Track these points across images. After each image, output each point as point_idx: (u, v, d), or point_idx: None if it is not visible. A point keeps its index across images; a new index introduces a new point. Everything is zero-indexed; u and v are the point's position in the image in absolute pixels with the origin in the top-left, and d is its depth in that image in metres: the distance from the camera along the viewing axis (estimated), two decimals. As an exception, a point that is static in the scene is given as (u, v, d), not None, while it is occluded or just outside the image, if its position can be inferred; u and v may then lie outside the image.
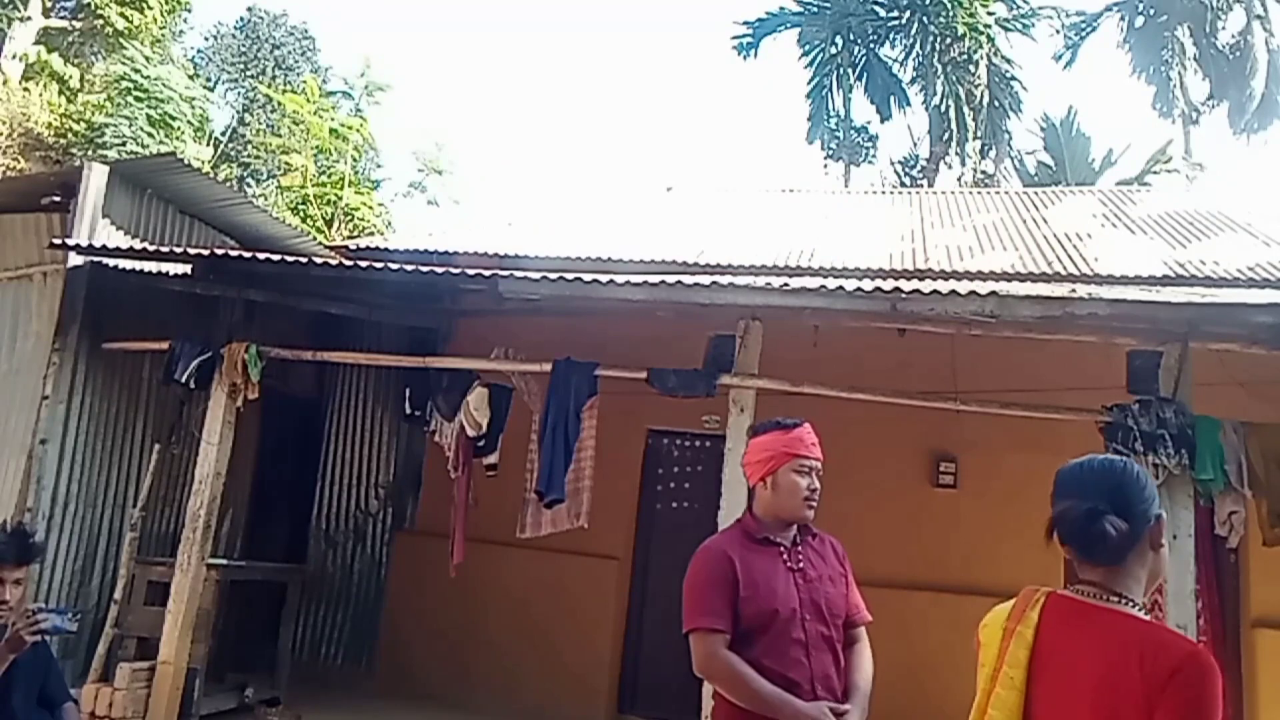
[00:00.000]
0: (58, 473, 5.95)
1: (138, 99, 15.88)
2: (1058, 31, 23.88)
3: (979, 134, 21.54)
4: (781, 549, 2.58)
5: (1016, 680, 1.65)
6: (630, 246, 7.78)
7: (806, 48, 23.99)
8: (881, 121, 24.31)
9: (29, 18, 17.29)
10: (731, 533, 2.67)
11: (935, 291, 4.99)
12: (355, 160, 17.72)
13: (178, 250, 5.93)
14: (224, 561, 6.31)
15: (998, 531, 6.25)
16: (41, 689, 3.27)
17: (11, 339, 6.35)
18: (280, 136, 18.27)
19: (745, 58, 24.34)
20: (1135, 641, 1.58)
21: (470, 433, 5.94)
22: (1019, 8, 22.90)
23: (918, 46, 22.37)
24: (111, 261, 6.04)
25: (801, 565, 2.57)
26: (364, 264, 5.64)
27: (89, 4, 17.76)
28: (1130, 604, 1.66)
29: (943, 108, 21.37)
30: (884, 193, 13.89)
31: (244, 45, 23.49)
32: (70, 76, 17.01)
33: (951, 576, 6.48)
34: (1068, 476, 1.79)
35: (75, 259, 6.09)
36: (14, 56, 16.76)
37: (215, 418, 5.88)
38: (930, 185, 21.40)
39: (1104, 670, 1.57)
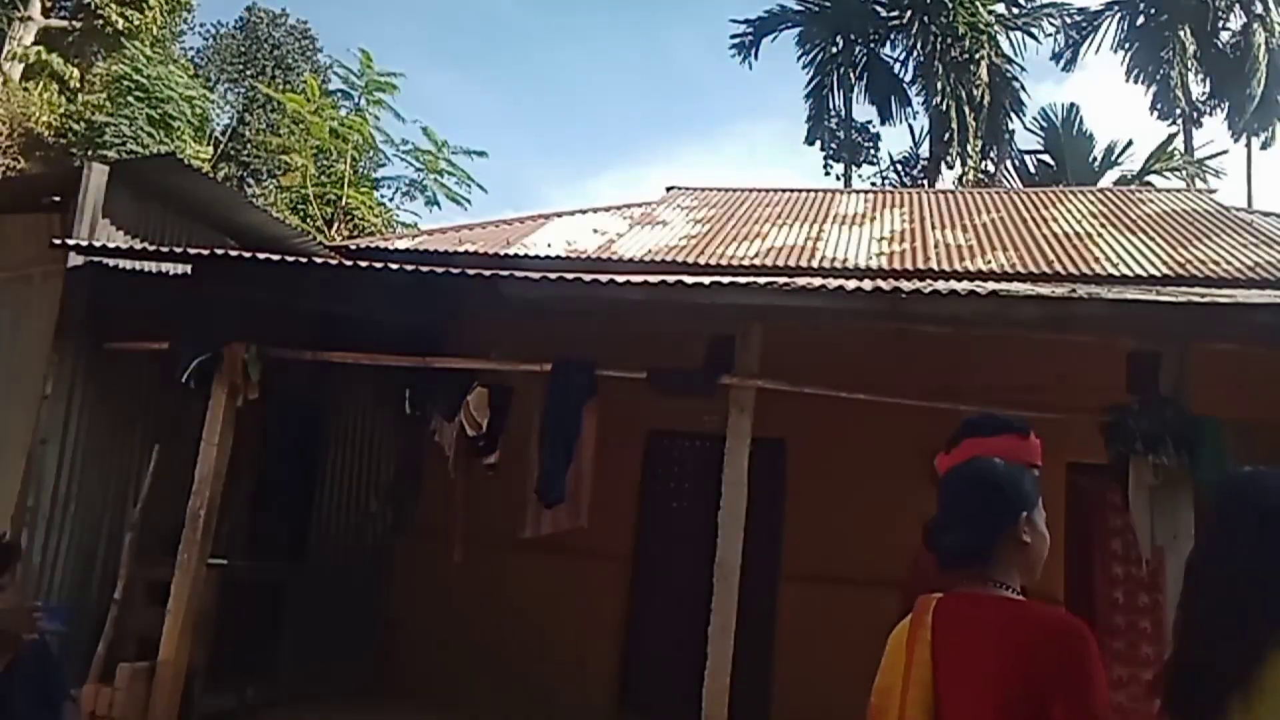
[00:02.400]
0: (58, 473, 5.94)
1: (138, 99, 15.88)
2: (1058, 31, 23.92)
3: (979, 134, 21.54)
4: None
5: (925, 679, 1.78)
6: (630, 246, 7.78)
7: (807, 48, 24.04)
8: (882, 121, 24.42)
9: (29, 17, 17.30)
10: None
11: (935, 291, 4.99)
12: (355, 160, 17.71)
13: (178, 250, 5.93)
14: (224, 561, 6.30)
15: (998, 532, 6.23)
16: (42, 689, 3.27)
17: (11, 339, 6.34)
18: (280, 136, 18.28)
19: (745, 58, 24.40)
20: (1013, 621, 1.73)
21: (470, 433, 5.93)
22: (1020, 7, 22.93)
23: (918, 46, 22.39)
24: (111, 261, 6.03)
25: None
26: (364, 264, 5.64)
27: (89, 4, 17.77)
28: (1007, 589, 1.81)
29: (943, 108, 21.38)
30: (884, 193, 13.89)
31: (244, 45, 23.50)
32: (70, 76, 17.03)
33: (952, 577, 6.46)
34: None
35: (75, 259, 6.07)
36: (14, 56, 16.77)
37: (215, 418, 5.88)
38: (930, 185, 21.42)
39: (991, 653, 1.71)
